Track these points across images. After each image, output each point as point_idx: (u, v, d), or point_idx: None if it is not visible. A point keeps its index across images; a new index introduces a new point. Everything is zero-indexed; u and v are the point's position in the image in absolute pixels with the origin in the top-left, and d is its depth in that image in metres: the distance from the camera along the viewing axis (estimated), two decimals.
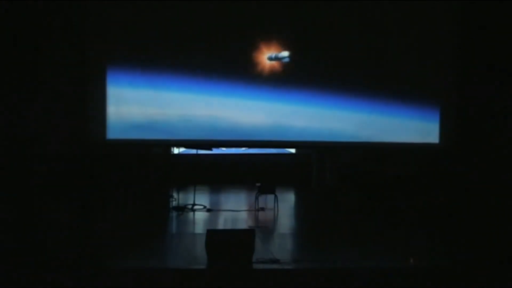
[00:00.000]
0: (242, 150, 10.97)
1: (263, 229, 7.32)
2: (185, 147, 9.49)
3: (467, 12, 8.34)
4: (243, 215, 8.13)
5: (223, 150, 10.85)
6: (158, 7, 8.16)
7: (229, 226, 7.50)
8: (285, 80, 8.34)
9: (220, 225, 7.61)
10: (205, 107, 8.29)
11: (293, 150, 11.43)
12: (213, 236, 5.80)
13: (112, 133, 8.23)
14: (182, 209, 8.36)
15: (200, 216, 8.08)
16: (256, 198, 8.37)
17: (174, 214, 8.18)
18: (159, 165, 8.73)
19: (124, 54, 8.19)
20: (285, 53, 8.28)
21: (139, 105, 8.18)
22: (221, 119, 8.33)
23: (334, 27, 8.36)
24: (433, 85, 8.51)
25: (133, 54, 8.17)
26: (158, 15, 8.18)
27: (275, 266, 5.55)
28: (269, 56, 8.31)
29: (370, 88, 8.42)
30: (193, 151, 9.07)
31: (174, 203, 8.54)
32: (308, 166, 10.57)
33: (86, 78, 8.16)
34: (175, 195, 8.68)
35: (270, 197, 8.49)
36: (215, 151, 9.78)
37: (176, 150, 10.55)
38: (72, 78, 8.14)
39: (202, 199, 8.99)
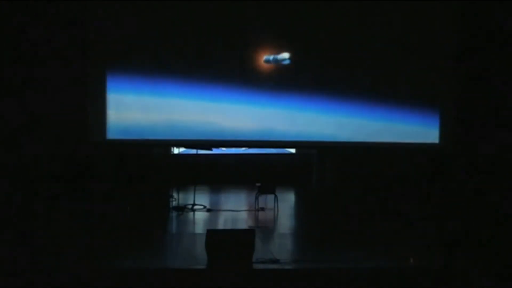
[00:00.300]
0: (242, 150, 10.97)
1: (263, 229, 7.32)
2: (185, 147, 9.49)
3: (466, 12, 8.35)
4: (243, 215, 8.14)
5: (223, 150, 10.84)
6: (157, 13, 8.12)
7: (229, 226, 7.50)
8: (285, 83, 8.28)
9: (220, 225, 7.61)
10: (203, 113, 8.24)
11: (293, 150, 11.44)
12: (213, 236, 5.80)
13: (112, 133, 8.23)
14: (182, 209, 8.36)
15: (200, 216, 8.08)
16: (256, 198, 8.37)
17: (174, 214, 8.19)
18: (159, 165, 8.73)
19: (123, 58, 8.16)
20: (286, 55, 8.16)
21: (138, 110, 8.14)
22: (221, 125, 8.30)
23: (333, 29, 8.32)
24: (433, 85, 8.51)
25: (132, 58, 8.14)
26: (156, 21, 8.14)
27: (275, 266, 5.55)
28: (266, 59, 8.19)
29: (369, 91, 8.42)
30: (193, 151, 9.07)
31: (174, 203, 8.54)
32: (308, 166, 10.57)
33: (86, 80, 8.16)
34: (175, 195, 8.68)
35: (270, 197, 8.49)
36: (215, 151, 9.78)
37: (176, 150, 10.55)
38: (73, 79, 8.14)
39: (202, 199, 8.99)
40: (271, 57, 8.17)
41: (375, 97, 8.41)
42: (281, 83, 8.28)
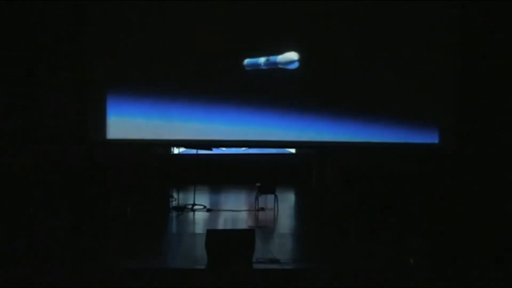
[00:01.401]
0: (242, 150, 10.97)
1: (263, 229, 7.32)
2: (185, 147, 9.50)
3: (467, 13, 8.35)
4: (243, 215, 8.14)
5: (223, 150, 10.85)
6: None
7: (229, 226, 7.50)
8: (285, 98, 8.16)
9: (220, 225, 7.61)
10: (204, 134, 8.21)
11: (293, 150, 11.44)
12: (213, 236, 5.80)
13: (112, 133, 8.22)
14: (182, 209, 8.36)
15: (200, 216, 8.09)
16: (256, 198, 8.37)
17: (174, 214, 8.19)
18: (159, 165, 8.73)
19: (123, 75, 8.14)
20: (294, 56, 6.81)
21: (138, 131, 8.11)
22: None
23: (334, 30, 8.28)
24: (433, 85, 8.50)
25: (131, 77, 8.11)
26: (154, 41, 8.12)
27: (275, 266, 5.55)
28: (250, 63, 7.62)
29: (369, 91, 8.40)
30: (193, 151, 9.07)
31: (174, 203, 8.54)
32: (308, 166, 10.57)
33: (86, 89, 8.17)
34: (175, 195, 8.68)
35: (270, 197, 8.49)
36: (215, 151, 9.78)
37: (176, 150, 10.56)
38: (73, 81, 8.16)
39: (202, 199, 8.99)
40: (262, 60, 6.94)
41: (375, 97, 8.40)
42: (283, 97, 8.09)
